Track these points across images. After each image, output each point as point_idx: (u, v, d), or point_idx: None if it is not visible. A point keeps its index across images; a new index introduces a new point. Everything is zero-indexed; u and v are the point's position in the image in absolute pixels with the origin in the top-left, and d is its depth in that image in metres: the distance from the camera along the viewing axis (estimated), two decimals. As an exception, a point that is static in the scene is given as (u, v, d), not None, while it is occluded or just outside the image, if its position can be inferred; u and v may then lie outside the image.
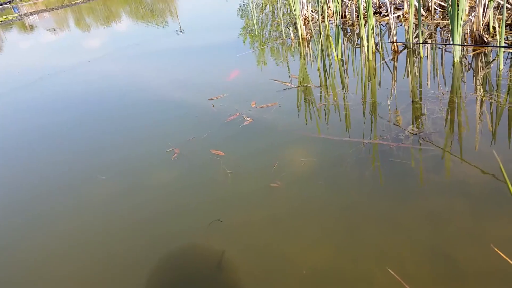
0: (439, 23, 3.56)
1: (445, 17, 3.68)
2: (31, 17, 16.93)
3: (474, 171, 1.54)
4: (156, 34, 8.90)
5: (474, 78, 2.36)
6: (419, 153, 1.70)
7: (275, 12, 6.40)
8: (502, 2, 2.88)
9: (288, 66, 3.30)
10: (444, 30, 3.32)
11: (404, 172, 1.60)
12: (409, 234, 1.30)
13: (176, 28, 8.41)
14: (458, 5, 2.38)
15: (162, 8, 17.04)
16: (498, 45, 2.39)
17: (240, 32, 5.02)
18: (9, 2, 47.60)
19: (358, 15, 4.25)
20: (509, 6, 3.17)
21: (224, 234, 1.47)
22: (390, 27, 3.08)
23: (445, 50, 2.91)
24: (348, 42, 3.69)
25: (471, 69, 2.51)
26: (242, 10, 10.36)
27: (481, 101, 2.05)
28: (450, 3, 2.44)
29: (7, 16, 19.40)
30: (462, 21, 2.48)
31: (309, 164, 1.79)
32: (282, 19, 5.15)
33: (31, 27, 14.71)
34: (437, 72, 2.55)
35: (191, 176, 1.90)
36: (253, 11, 5.26)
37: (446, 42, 3.02)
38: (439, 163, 1.62)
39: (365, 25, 3.39)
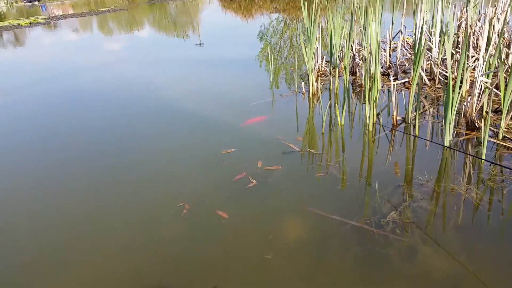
0: (440, 95, 3.83)
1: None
2: (58, 21, 17.54)
3: (440, 263, 1.79)
4: (176, 44, 9.56)
5: (458, 167, 2.62)
6: (395, 242, 1.96)
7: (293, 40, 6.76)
8: (496, 91, 3.16)
9: (297, 123, 3.59)
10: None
11: (378, 259, 1.86)
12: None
13: (195, 42, 9.05)
14: (453, 91, 2.65)
15: (185, 21, 17.58)
16: (482, 133, 2.64)
17: (257, 56, 5.28)
18: (38, 1, 48.99)
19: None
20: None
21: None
22: (391, 97, 3.36)
23: (440, 129, 3.17)
24: (355, 104, 3.97)
25: (457, 156, 2.77)
26: (262, 33, 10.80)
27: (460, 194, 2.31)
28: (445, 94, 2.72)
29: (36, 17, 20.07)
30: (455, 110, 2.76)
31: (299, 238, 2.06)
32: (296, 65, 5.44)
33: (56, 26, 15.30)
34: (426, 155, 2.81)
35: (197, 235, 2.17)
36: (270, 62, 5.59)
37: (439, 123, 3.28)
38: (411, 253, 1.88)
39: (370, 91, 3.70)
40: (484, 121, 2.87)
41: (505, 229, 2.02)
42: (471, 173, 2.54)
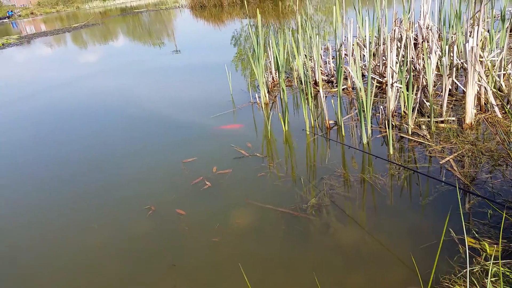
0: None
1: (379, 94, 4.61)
2: (31, 40, 17.78)
3: (347, 234, 2.41)
4: (154, 53, 10.28)
5: (367, 161, 3.25)
6: (313, 221, 2.57)
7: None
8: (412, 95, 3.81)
9: (249, 131, 4.19)
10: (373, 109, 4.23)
11: (300, 234, 2.47)
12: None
13: (172, 49, 9.79)
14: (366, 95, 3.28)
15: (159, 29, 18.06)
16: (389, 134, 3.26)
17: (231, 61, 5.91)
18: (8, 18, 48.37)
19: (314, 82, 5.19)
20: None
21: (178, 274, 2.32)
22: (322, 103, 3.99)
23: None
24: (301, 110, 4.59)
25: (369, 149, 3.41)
26: (235, 38, 11.44)
27: (361, 181, 2.93)
28: (361, 100, 3.35)
29: (8, 37, 20.19)
30: (369, 112, 3.40)
31: (243, 224, 2.65)
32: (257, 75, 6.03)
33: (29, 45, 15.59)
34: (347, 152, 3.44)
35: (160, 229, 2.74)
36: (229, 78, 6.17)
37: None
38: (325, 228, 2.49)
39: (316, 95, 4.34)
40: (387, 124, 3.52)
41: (396, 204, 2.65)
42: (378, 166, 3.16)
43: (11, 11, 51.95)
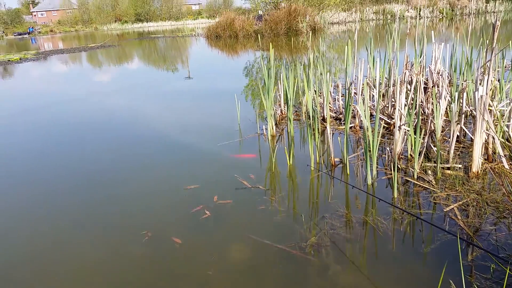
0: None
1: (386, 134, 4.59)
2: (48, 56, 18.17)
3: (345, 277, 2.33)
4: (167, 77, 10.63)
5: (371, 203, 3.20)
6: (311, 262, 2.50)
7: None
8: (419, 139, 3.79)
9: (259, 162, 4.17)
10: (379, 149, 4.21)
11: (296, 275, 2.39)
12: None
13: (185, 75, 10.08)
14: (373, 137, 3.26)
15: (174, 55, 18.41)
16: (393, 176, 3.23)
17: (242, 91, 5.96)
18: (29, 34, 49.85)
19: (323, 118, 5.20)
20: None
21: (166, 306, 2.24)
22: (328, 140, 3.97)
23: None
24: (307, 145, 4.58)
25: (370, 190, 3.36)
26: (247, 69, 11.62)
27: (363, 223, 2.87)
28: (368, 140, 3.33)
29: (26, 52, 20.69)
30: (375, 153, 3.37)
31: (239, 259, 2.58)
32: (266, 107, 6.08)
33: (45, 61, 15.88)
34: (350, 192, 3.39)
35: (153, 257, 2.68)
36: (238, 107, 6.22)
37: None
38: (323, 270, 2.42)
39: (323, 131, 4.32)
40: (393, 166, 3.49)
41: (397, 249, 2.58)
42: (381, 208, 3.11)
43: (32, 28, 53.60)
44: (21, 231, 3.18)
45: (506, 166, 3.40)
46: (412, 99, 4.38)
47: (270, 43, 4.79)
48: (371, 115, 5.05)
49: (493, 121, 3.66)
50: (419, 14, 27.89)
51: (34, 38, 43.38)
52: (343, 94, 5.99)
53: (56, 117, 6.97)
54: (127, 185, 3.84)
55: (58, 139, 5.59)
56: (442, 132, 4.14)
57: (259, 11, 27.21)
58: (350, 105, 3.61)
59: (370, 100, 5.31)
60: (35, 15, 72.59)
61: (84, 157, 4.71)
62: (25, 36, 48.41)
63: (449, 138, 3.70)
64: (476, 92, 3.21)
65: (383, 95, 5.37)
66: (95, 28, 56.62)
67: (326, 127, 4.17)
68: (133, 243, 2.85)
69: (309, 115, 4.05)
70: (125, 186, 3.83)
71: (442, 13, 30.62)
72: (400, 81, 4.60)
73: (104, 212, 3.37)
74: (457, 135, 3.97)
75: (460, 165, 3.55)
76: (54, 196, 3.74)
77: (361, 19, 31.42)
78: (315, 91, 5.85)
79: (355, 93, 5.65)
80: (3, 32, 49.50)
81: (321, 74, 5.51)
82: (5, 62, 16.59)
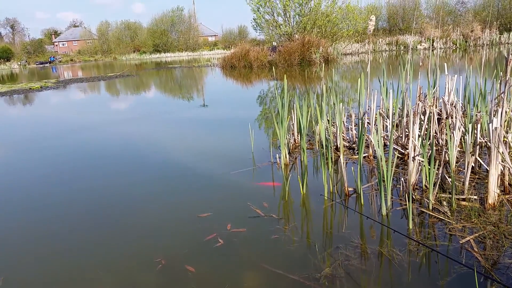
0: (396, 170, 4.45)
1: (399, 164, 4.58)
2: (67, 85, 18.69)
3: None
4: (182, 105, 10.91)
5: (385, 234, 3.17)
6: (323, 293, 2.47)
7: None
8: (433, 169, 3.78)
9: (272, 190, 4.18)
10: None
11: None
12: None
13: (200, 103, 10.32)
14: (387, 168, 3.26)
15: (190, 84, 18.76)
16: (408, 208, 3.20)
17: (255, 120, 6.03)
18: (50, 63, 51.57)
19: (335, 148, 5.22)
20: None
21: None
22: (341, 169, 3.98)
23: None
24: (321, 174, 4.59)
25: (386, 221, 3.33)
26: (261, 98, 11.77)
27: (378, 254, 2.84)
28: (382, 170, 3.34)
29: (46, 80, 21.35)
30: (390, 185, 3.36)
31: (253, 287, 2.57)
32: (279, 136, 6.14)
33: (65, 89, 16.34)
34: (364, 222, 3.37)
35: (167, 285, 2.69)
36: (252, 136, 6.29)
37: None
38: (332, 303, 2.39)
39: (337, 160, 4.33)
40: (408, 197, 3.46)
41: (413, 282, 2.54)
42: (396, 239, 3.07)
43: (53, 57, 55.50)
44: (30, 259, 3.23)
45: (523, 198, 3.35)
46: (426, 130, 4.39)
47: (284, 73, 4.89)
48: (385, 145, 5.05)
49: (509, 153, 3.64)
50: (432, 45, 28.12)
51: (55, 67, 44.83)
52: (356, 124, 6.02)
53: (73, 144, 7.12)
54: (141, 211, 3.89)
55: (74, 164, 5.70)
56: (456, 163, 4.11)
57: (273, 42, 27.80)
58: (363, 135, 3.63)
59: (383, 130, 5.32)
60: (56, 45, 75.31)
61: (98, 183, 4.79)
62: (47, 65, 50.05)
63: (464, 169, 3.68)
64: (491, 124, 3.22)
65: (397, 126, 5.38)
66: (114, 58, 58.30)
67: (339, 156, 4.19)
68: (147, 271, 2.86)
69: (322, 145, 4.08)
70: (138, 212, 3.87)
71: (456, 44, 30.81)
72: (414, 112, 4.63)
73: (117, 239, 3.40)
74: (472, 166, 3.95)
75: (475, 197, 3.51)
76: (67, 222, 3.79)
77: (374, 50, 31.80)
78: (328, 120, 5.90)
79: (368, 123, 5.68)
80: (26, 61, 51.29)
81: (334, 104, 5.57)
82: (26, 90, 17.13)
